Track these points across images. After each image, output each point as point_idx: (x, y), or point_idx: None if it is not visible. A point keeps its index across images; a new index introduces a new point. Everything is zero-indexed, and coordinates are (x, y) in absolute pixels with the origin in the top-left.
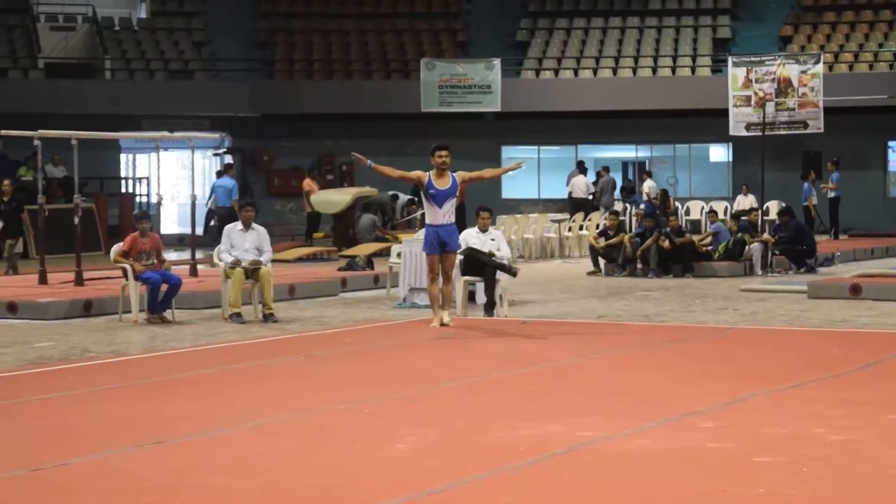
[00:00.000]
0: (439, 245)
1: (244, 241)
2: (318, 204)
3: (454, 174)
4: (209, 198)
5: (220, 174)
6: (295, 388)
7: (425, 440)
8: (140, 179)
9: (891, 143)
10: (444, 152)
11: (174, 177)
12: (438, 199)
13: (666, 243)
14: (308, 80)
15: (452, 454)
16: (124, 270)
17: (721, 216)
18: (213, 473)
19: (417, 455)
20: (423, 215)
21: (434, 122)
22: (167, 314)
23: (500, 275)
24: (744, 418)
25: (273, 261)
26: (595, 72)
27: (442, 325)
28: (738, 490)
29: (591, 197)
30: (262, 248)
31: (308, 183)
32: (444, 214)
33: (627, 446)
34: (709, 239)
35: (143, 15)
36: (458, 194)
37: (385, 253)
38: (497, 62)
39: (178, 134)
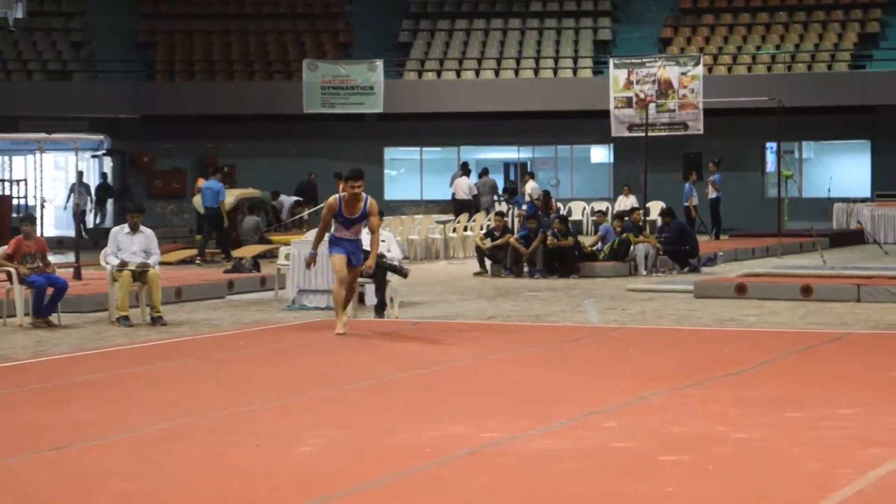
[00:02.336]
0: (346, 249)
1: (131, 244)
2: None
3: (368, 201)
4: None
5: (206, 176)
6: (193, 392)
7: (330, 443)
8: (17, 182)
9: (769, 145)
10: (357, 183)
11: (50, 178)
12: (346, 223)
13: (552, 241)
14: (189, 82)
15: (359, 457)
16: (8, 274)
17: (605, 216)
18: (118, 479)
19: (323, 458)
20: (310, 215)
21: (316, 123)
22: (53, 318)
23: (390, 276)
24: (646, 417)
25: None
26: (477, 73)
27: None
28: (646, 489)
29: (472, 198)
30: (149, 250)
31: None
32: (349, 233)
33: (533, 447)
34: (605, 248)
35: (20, 15)
36: (364, 220)
37: (271, 255)
38: (379, 63)
39: (59, 136)
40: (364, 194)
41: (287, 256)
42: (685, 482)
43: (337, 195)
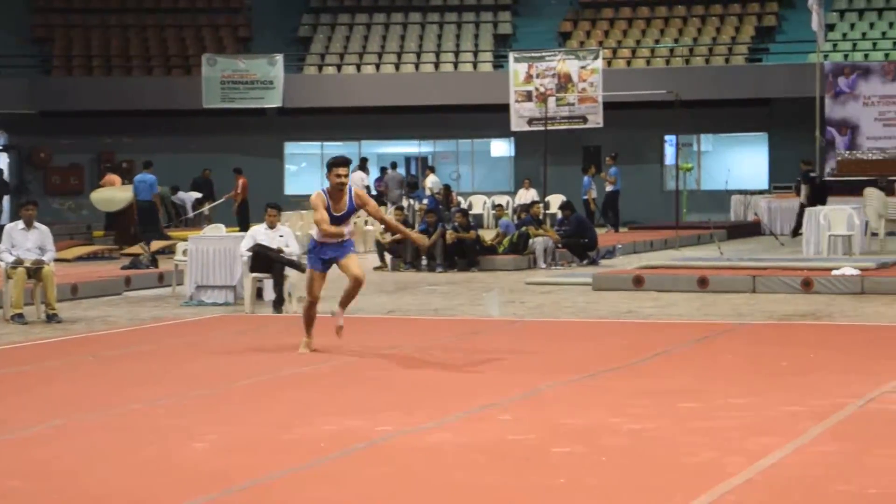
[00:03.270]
0: (324, 262)
1: (26, 241)
2: (99, 202)
3: (352, 192)
4: None
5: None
6: (86, 390)
7: (225, 438)
8: None
9: (667, 138)
10: (342, 170)
11: None
12: (333, 221)
13: (452, 234)
14: (87, 77)
15: (254, 451)
16: None
17: (505, 210)
18: (6, 477)
19: (219, 453)
20: (211, 210)
21: (216, 118)
22: None
23: (288, 271)
24: (541, 409)
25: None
26: (378, 67)
27: (313, 350)
28: (539, 480)
29: (377, 192)
30: (44, 247)
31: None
32: (339, 235)
33: (428, 440)
34: (504, 241)
35: None
36: (356, 211)
37: (169, 250)
38: (279, 58)
39: None
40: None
41: (185, 252)
42: (578, 474)
43: (320, 190)
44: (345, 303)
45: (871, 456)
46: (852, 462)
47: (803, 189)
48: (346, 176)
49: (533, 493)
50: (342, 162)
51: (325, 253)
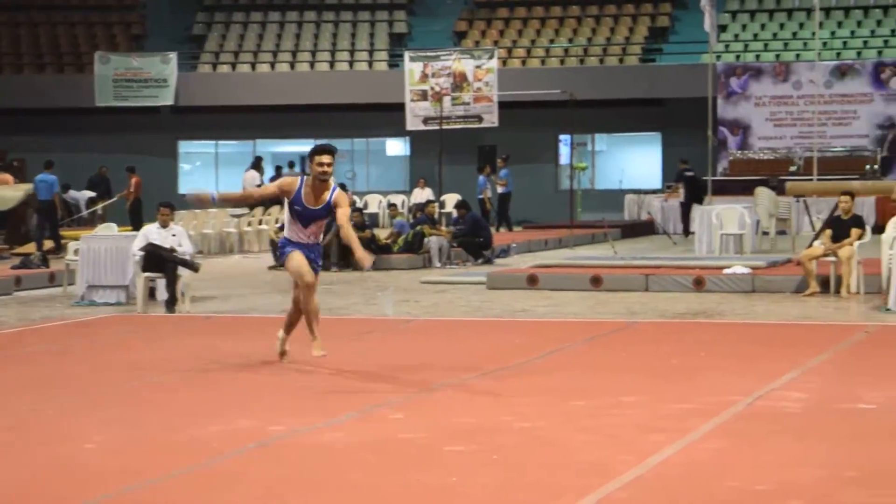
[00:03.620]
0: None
1: None
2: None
3: (335, 191)
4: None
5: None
6: None
7: (116, 440)
8: None
9: (562, 137)
10: (326, 158)
11: None
12: (304, 217)
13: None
14: None
15: (145, 452)
16: None
17: (399, 209)
18: None
19: (109, 455)
20: (105, 209)
21: (109, 116)
22: None
23: (181, 270)
24: (433, 408)
25: None
26: (272, 66)
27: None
28: (431, 479)
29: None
30: None
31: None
32: (309, 234)
33: (320, 439)
34: (399, 241)
35: None
36: (328, 217)
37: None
38: (173, 56)
39: None
40: (332, 181)
41: (76, 252)
42: (469, 472)
43: (297, 177)
44: (289, 327)
45: (759, 452)
46: (741, 458)
47: (682, 188)
48: (331, 165)
49: (424, 492)
50: (327, 149)
51: (299, 248)
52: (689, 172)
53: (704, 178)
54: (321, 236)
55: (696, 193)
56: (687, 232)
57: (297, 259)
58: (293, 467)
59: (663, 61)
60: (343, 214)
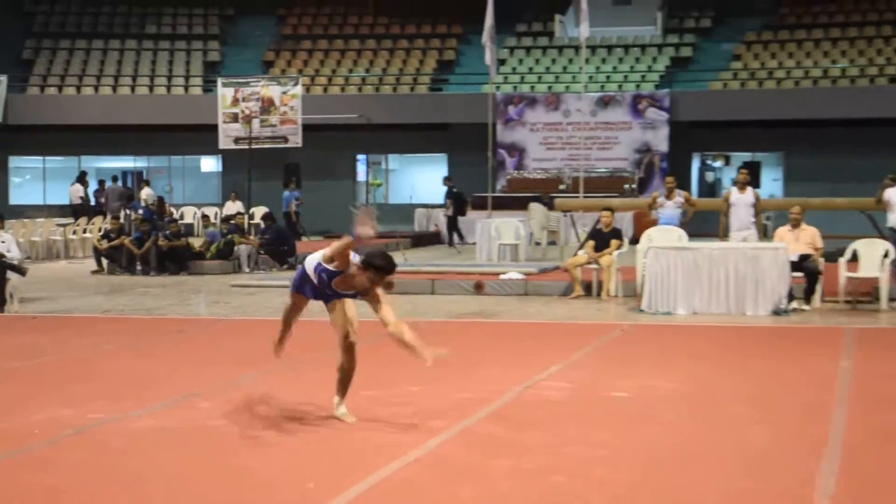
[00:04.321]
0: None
1: None
2: None
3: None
4: None
5: None
6: None
7: None
8: None
9: (359, 157)
10: (381, 279)
11: None
12: (326, 296)
13: (165, 242)
14: None
15: None
16: None
17: (212, 220)
18: None
19: None
20: None
21: None
22: None
23: (10, 274)
24: (239, 398)
25: None
26: (96, 89)
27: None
28: (234, 462)
29: (81, 201)
30: None
31: None
32: (318, 287)
33: (135, 426)
34: (212, 248)
35: None
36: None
37: None
38: (3, 78)
39: None
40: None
41: None
42: (271, 456)
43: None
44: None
45: (527, 435)
46: (511, 440)
47: (448, 203)
48: (377, 286)
49: (227, 475)
50: (383, 269)
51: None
52: (454, 189)
53: (478, 194)
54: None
55: (459, 207)
56: (451, 242)
57: (292, 301)
58: (108, 452)
59: (449, 90)
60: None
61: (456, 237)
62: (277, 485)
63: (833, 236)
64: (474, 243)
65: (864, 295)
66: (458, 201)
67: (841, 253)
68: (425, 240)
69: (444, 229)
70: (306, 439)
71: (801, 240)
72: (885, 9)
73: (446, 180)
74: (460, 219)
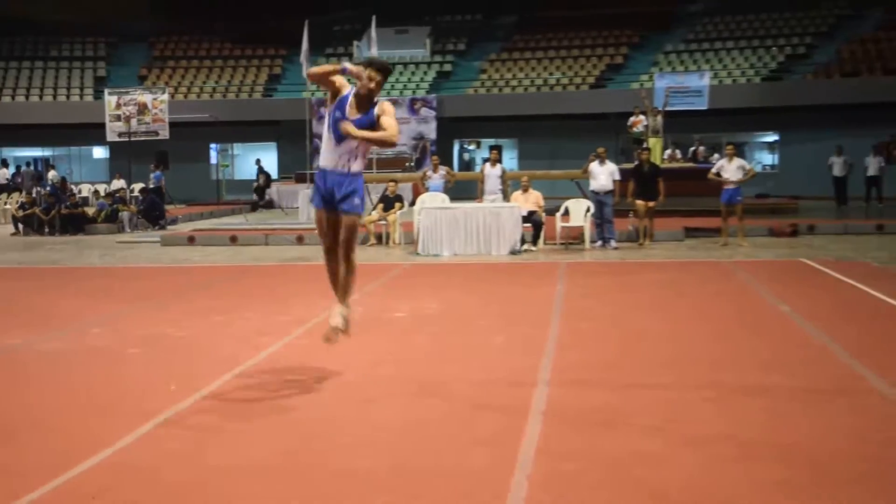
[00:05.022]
0: (325, 196)
1: None
2: None
3: (379, 104)
4: None
5: None
6: None
7: None
8: None
9: (212, 146)
10: (379, 77)
11: None
12: (339, 131)
13: (65, 210)
14: None
15: None
16: None
17: (102, 194)
18: None
19: None
20: None
21: None
22: None
23: None
24: (120, 323)
25: None
26: (13, 97)
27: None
28: (116, 370)
29: (4, 181)
30: None
31: None
32: (340, 155)
33: (43, 348)
34: (101, 214)
35: None
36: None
37: None
38: None
39: None
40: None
41: None
42: (141, 366)
43: (349, 83)
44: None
45: (336, 347)
46: (319, 349)
47: (260, 177)
48: (379, 86)
49: (110, 382)
50: (385, 69)
51: (325, 182)
52: (263, 168)
53: (300, 171)
54: (354, 163)
55: (266, 180)
56: (258, 206)
57: (315, 220)
58: (22, 370)
59: (278, 96)
60: (387, 122)
61: (285, 203)
62: (148, 388)
63: (552, 197)
64: (297, 207)
65: (573, 239)
66: (266, 176)
67: (557, 209)
68: (262, 206)
69: (276, 197)
70: (167, 353)
71: (529, 200)
72: (585, 36)
73: (257, 162)
74: (279, 190)
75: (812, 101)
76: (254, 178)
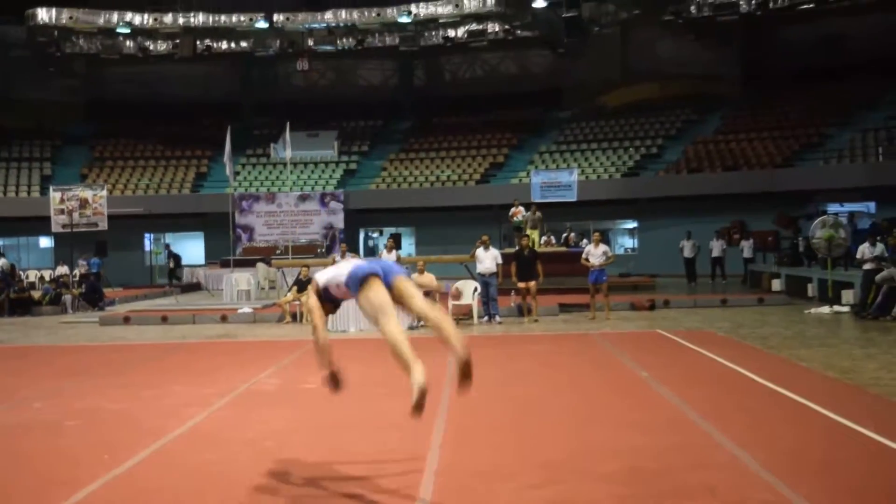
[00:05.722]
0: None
1: None
2: None
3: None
4: None
5: None
6: None
7: None
8: None
9: (146, 235)
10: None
11: None
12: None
13: (14, 294)
14: None
15: None
16: None
17: (47, 279)
18: None
19: None
20: None
21: None
22: None
23: None
24: (61, 399)
25: None
26: None
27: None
28: (54, 442)
29: None
30: None
31: None
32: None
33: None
34: (46, 298)
35: None
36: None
37: None
38: None
39: None
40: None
41: None
42: (77, 437)
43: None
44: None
45: (253, 413)
46: (244, 420)
47: (169, 261)
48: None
49: (49, 454)
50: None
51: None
52: (172, 252)
53: (225, 257)
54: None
55: (177, 262)
56: (171, 283)
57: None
58: None
59: (204, 191)
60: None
61: (211, 285)
62: (82, 457)
63: (445, 278)
64: (222, 289)
65: (463, 314)
66: (176, 259)
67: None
68: (191, 288)
69: (203, 280)
70: (100, 425)
71: (422, 281)
72: (472, 139)
73: (166, 246)
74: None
75: (664, 193)
76: (191, 264)
